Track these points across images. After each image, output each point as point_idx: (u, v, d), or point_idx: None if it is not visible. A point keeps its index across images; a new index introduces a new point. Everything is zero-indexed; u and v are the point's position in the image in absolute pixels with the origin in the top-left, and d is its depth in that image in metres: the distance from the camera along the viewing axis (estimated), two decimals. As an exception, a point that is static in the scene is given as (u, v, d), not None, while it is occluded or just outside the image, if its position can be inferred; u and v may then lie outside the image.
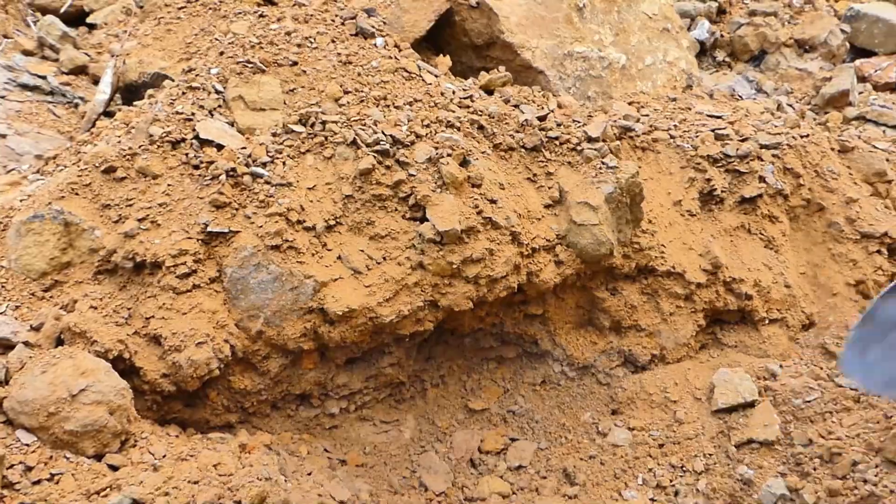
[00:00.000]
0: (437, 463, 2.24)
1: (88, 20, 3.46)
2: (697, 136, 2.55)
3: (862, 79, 3.91)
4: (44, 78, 2.85)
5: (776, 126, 2.75)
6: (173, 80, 2.28)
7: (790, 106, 3.69)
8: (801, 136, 2.67)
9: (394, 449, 2.24)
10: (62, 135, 2.66)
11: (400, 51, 2.50)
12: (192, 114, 2.05)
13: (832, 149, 2.77)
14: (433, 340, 2.33)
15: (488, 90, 2.55)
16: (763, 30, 3.92)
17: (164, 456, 1.65)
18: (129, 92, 2.62)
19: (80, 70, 2.97)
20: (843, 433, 1.98)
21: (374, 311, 1.92)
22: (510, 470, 2.26)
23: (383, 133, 2.01)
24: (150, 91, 2.43)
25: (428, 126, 2.10)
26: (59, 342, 1.68)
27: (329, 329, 1.92)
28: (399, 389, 2.27)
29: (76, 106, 2.83)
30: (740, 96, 3.68)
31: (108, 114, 2.58)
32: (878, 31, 3.98)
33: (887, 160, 2.93)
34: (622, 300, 2.38)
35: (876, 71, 3.92)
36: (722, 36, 4.01)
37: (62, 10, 3.46)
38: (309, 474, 1.91)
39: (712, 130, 2.57)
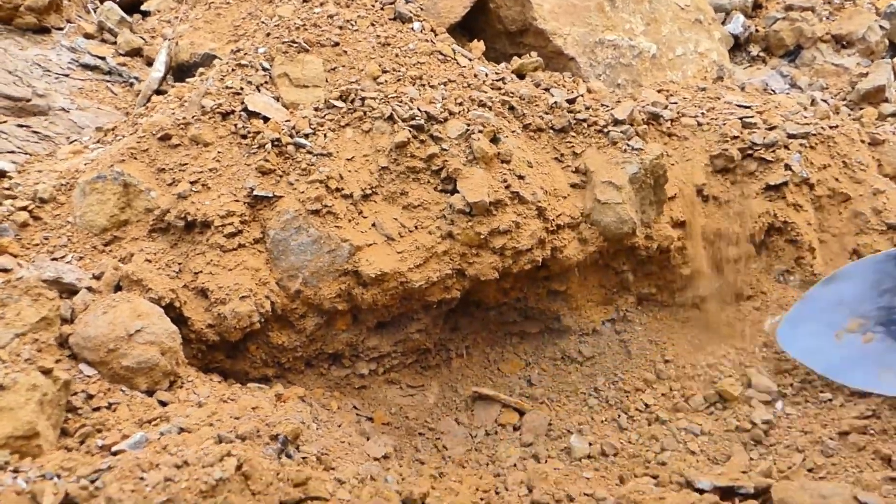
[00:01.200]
0: (457, 429, 2.35)
1: (143, 7, 3.67)
2: (725, 124, 2.61)
3: (900, 76, 3.89)
4: (103, 59, 3.05)
5: (805, 117, 2.79)
6: (223, 60, 2.44)
7: (824, 101, 3.70)
8: (831, 127, 2.71)
9: (418, 412, 2.35)
10: (119, 110, 2.84)
11: (436, 35, 2.61)
12: (241, 88, 2.20)
13: (862, 140, 2.79)
14: (459, 312, 2.45)
15: (520, 74, 2.66)
16: (799, 24, 3.93)
17: (208, 396, 1.79)
18: (181, 71, 2.79)
19: (135, 52, 3.16)
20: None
21: (405, 276, 2.04)
22: (525, 442, 2.35)
23: (418, 109, 2.13)
24: (200, 69, 2.60)
25: (461, 104, 2.21)
26: (118, 289, 1.83)
27: (362, 291, 2.04)
28: (425, 356, 2.38)
29: (132, 85, 3.01)
30: (773, 90, 3.70)
31: (160, 91, 2.75)
32: (917, 28, 3.95)
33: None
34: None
35: (914, 68, 3.90)
36: (757, 31, 4.03)
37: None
38: (339, 426, 2.03)
39: (740, 119, 2.63)
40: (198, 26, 2.89)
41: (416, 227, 2.07)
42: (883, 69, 3.69)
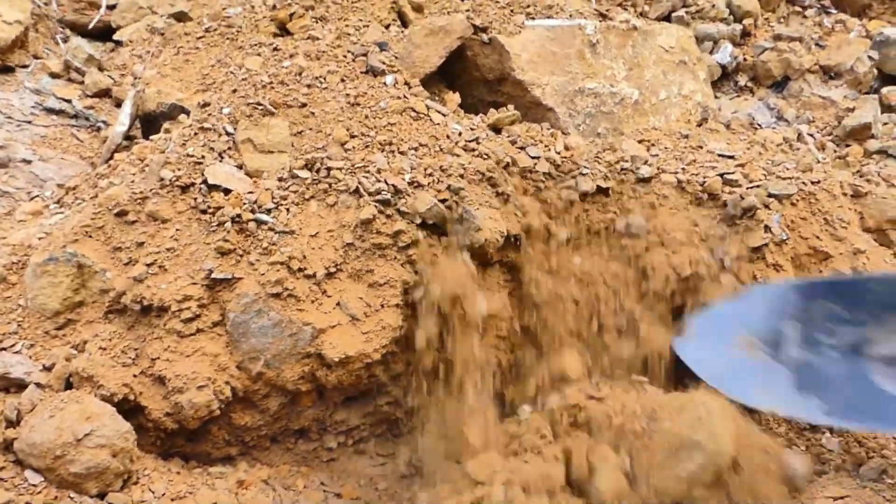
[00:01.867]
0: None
1: (115, 37, 3.56)
2: (705, 181, 2.54)
3: (889, 108, 3.82)
4: (69, 101, 2.96)
5: (787, 169, 2.72)
6: (189, 113, 2.35)
7: (811, 136, 3.64)
8: (813, 183, 2.65)
9: (389, 482, 2.30)
10: (84, 160, 2.75)
11: (410, 88, 2.53)
12: (203, 157, 2.12)
13: (844, 194, 2.74)
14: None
15: (496, 128, 2.58)
16: (787, 55, 3.85)
17: (163, 494, 1.74)
18: (148, 122, 2.71)
19: (103, 93, 3.06)
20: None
21: (371, 357, 1.98)
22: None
23: (385, 182, 2.06)
24: (166, 124, 2.51)
25: (431, 175, 2.14)
26: (68, 385, 1.77)
27: (327, 373, 1.99)
28: (396, 424, 2.33)
29: (99, 129, 2.92)
30: (759, 125, 3.63)
31: (129, 138, 2.67)
32: (907, 58, 3.88)
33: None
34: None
35: (903, 100, 3.83)
36: (745, 60, 3.95)
37: (90, 26, 3.56)
38: (303, 510, 1.98)
39: (720, 175, 2.56)
40: (165, 73, 2.80)
41: (382, 306, 2.01)
42: (869, 105, 3.62)
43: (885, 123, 3.68)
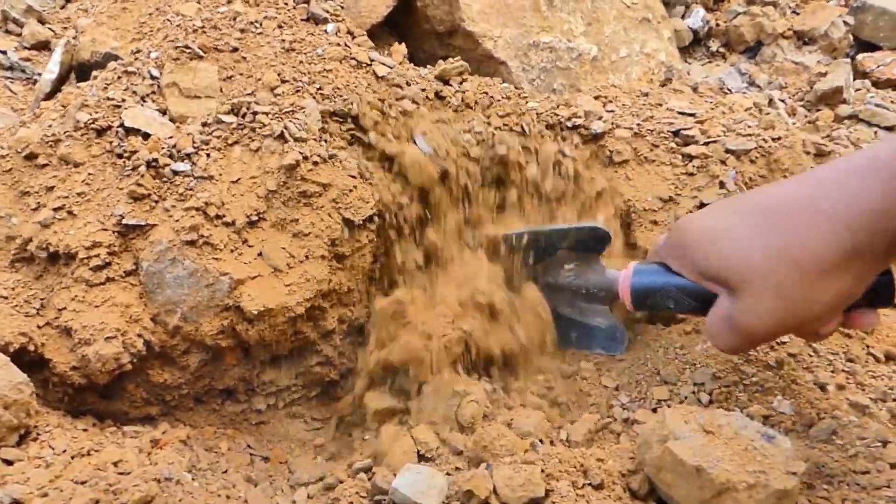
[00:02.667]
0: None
1: (65, -9, 3.42)
2: (660, 135, 2.44)
3: (863, 74, 3.72)
4: (3, 53, 2.82)
5: (749, 127, 2.62)
6: (111, 66, 2.23)
7: (782, 101, 3.55)
8: (773, 140, 2.55)
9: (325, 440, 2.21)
10: (16, 112, 2.63)
11: (353, 38, 2.41)
12: (123, 100, 2.01)
13: (807, 152, 2.64)
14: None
15: (444, 80, 2.47)
16: (760, 20, 3.75)
17: (63, 451, 1.63)
18: (82, 72, 2.57)
19: (42, 45, 2.94)
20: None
21: (294, 311, 1.88)
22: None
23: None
24: (95, 72, 2.39)
25: (363, 120, 2.03)
26: (-38, 333, 1.66)
27: (247, 327, 1.88)
28: (332, 387, 2.23)
29: (35, 82, 2.79)
30: (729, 90, 3.53)
31: (55, 93, 2.54)
32: (883, 24, 3.78)
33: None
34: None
35: (878, 66, 3.73)
36: (718, 25, 3.85)
37: (38, -20, 3.41)
38: (224, 472, 1.88)
39: (675, 132, 2.46)
40: (101, 21, 2.66)
41: (307, 258, 1.90)
42: (842, 69, 3.52)
43: (858, 89, 3.58)
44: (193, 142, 1.94)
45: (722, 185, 2.37)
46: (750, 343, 1.20)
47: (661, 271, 1.47)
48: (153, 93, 2.07)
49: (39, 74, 2.84)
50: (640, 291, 1.57)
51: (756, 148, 2.46)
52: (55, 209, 1.82)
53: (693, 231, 1.28)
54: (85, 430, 1.78)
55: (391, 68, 2.36)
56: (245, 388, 2.08)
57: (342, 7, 2.52)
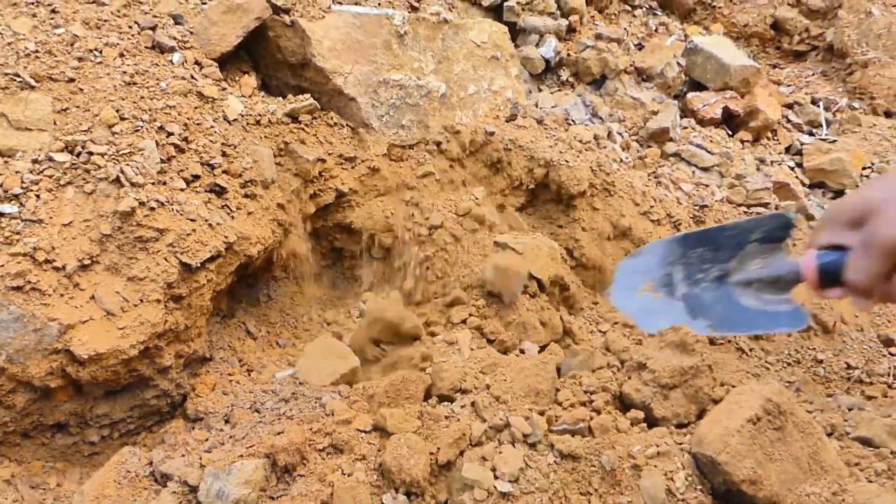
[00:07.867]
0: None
1: None
2: (494, 178, 2.68)
3: (691, 112, 4.16)
4: None
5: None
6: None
7: (620, 135, 3.91)
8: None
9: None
10: None
11: (201, 68, 2.44)
12: (-56, 131, 1.94)
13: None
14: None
15: (294, 117, 2.55)
16: (605, 55, 4.07)
17: None
18: None
19: None
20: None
21: (127, 354, 1.93)
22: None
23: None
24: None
25: (203, 165, 2.09)
26: None
27: (78, 368, 1.91)
28: (169, 416, 2.29)
29: None
30: (573, 121, 3.84)
31: None
32: (710, 67, 4.23)
33: (679, 204, 3.20)
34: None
35: (703, 105, 4.19)
36: (568, 55, 4.14)
37: None
38: (51, 509, 1.92)
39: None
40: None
41: (141, 301, 1.96)
42: (670, 111, 3.93)
43: (685, 128, 4.01)
44: (22, 181, 1.92)
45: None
46: (885, 255, 1.27)
47: (835, 252, 1.54)
48: (-21, 123, 2.02)
49: None
50: (827, 269, 1.58)
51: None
52: None
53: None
54: None
55: (240, 100, 2.42)
56: (77, 422, 2.11)
57: (191, 33, 2.53)
